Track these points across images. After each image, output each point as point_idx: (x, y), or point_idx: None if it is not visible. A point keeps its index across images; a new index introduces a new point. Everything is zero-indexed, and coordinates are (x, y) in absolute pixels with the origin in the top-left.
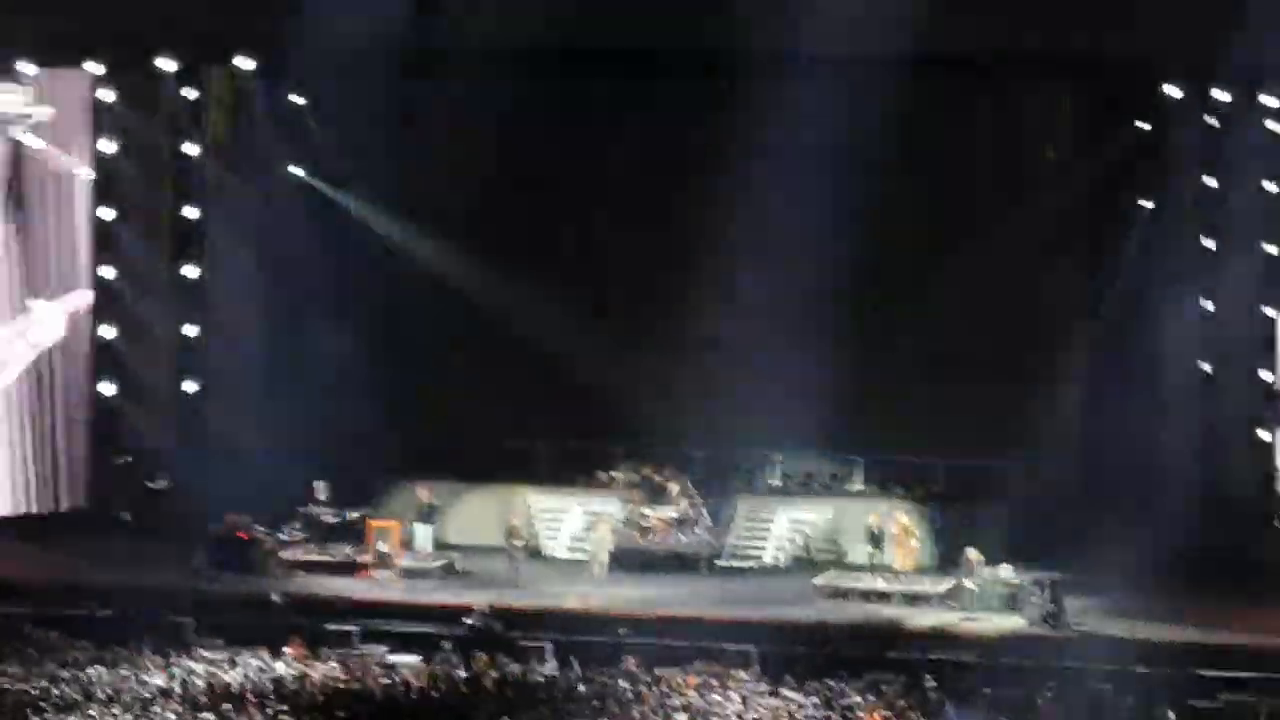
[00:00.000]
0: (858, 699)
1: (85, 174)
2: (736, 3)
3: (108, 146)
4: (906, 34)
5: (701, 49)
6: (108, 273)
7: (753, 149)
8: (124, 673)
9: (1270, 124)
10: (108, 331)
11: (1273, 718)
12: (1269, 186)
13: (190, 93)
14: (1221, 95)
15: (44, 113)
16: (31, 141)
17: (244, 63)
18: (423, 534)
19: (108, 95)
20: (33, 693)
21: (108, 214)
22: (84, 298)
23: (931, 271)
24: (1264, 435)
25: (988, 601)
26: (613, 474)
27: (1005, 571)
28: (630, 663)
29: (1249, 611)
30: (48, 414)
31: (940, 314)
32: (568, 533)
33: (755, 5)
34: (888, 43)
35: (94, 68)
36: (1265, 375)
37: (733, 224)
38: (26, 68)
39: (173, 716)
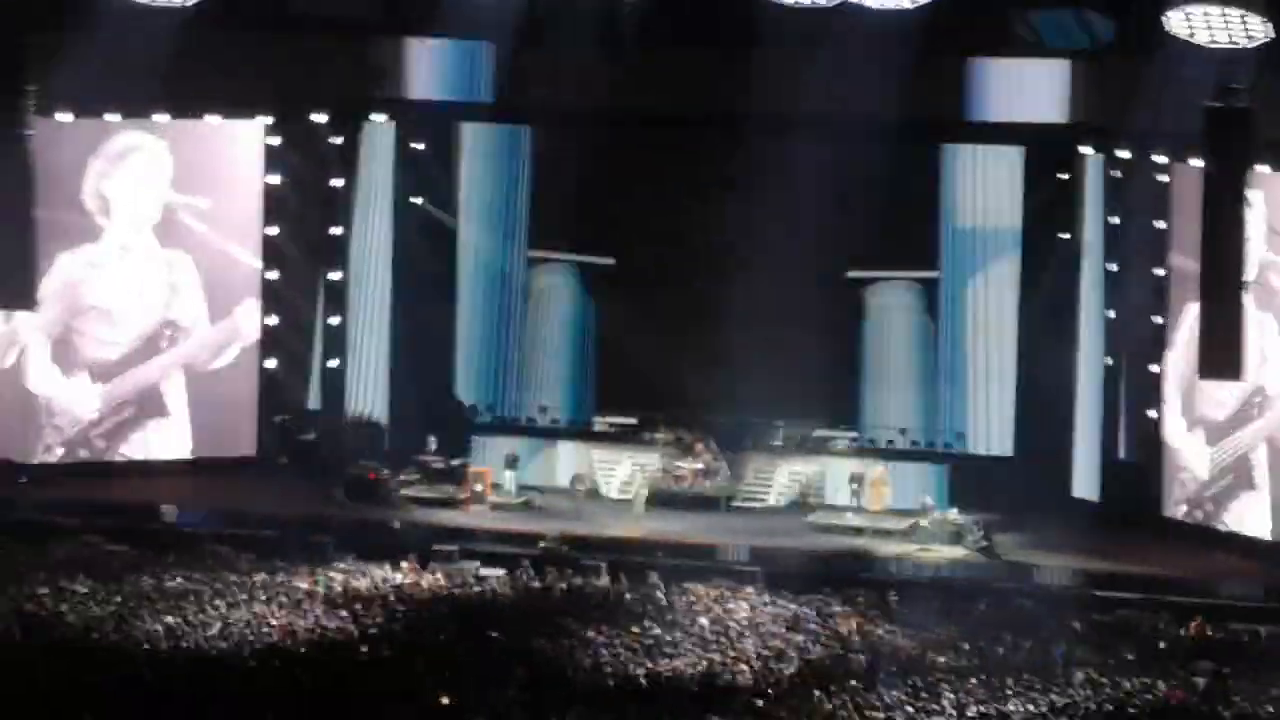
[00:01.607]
0: (838, 608)
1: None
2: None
3: (274, 179)
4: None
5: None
6: (272, 275)
7: (768, 175)
8: (280, 579)
9: (1159, 176)
10: (272, 320)
11: (1153, 628)
12: (1158, 224)
13: (337, 139)
14: (1123, 153)
15: None
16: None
17: (378, 117)
18: (509, 478)
19: (275, 140)
20: (211, 591)
21: (273, 231)
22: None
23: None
24: (1151, 414)
25: (938, 537)
26: (654, 435)
27: (952, 514)
28: (665, 578)
29: (1136, 548)
30: (227, 382)
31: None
32: (619, 479)
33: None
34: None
35: (265, 119)
36: (1153, 368)
37: (749, 247)
38: (212, 119)
39: (319, 611)
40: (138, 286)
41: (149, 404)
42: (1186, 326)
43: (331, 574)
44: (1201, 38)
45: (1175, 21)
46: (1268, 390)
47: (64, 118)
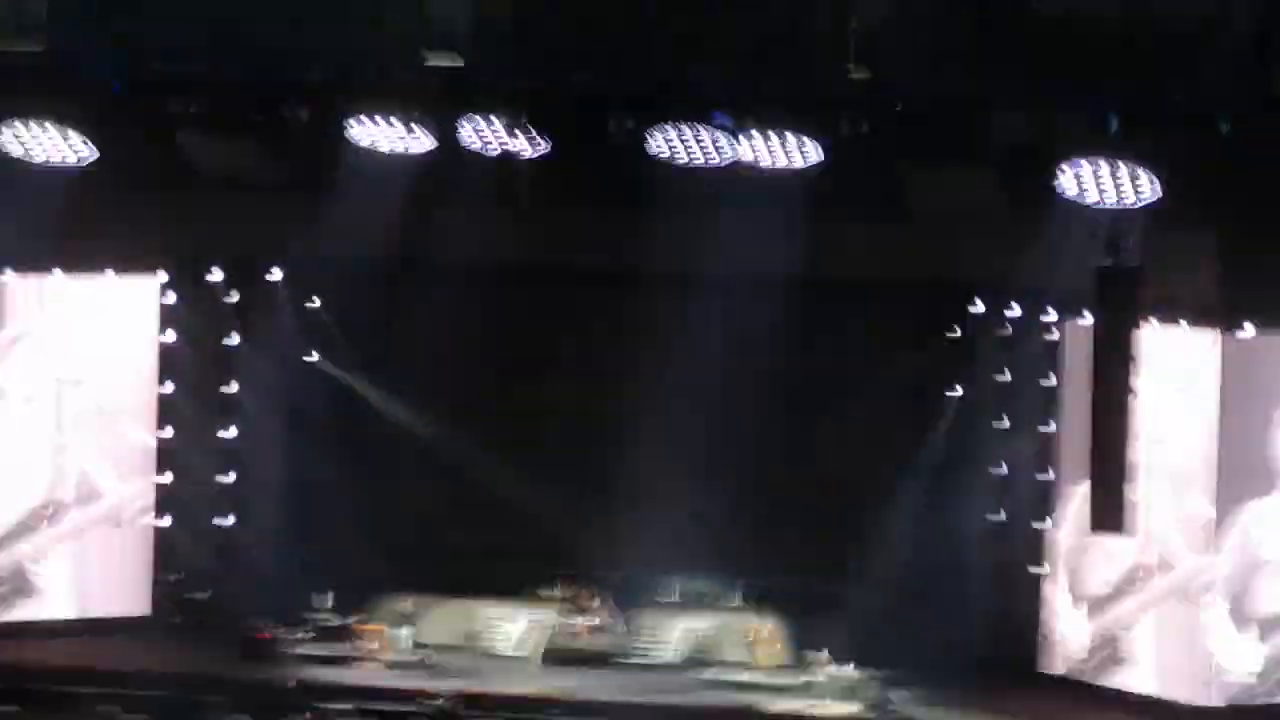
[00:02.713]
0: None
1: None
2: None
3: (168, 338)
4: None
5: (623, 268)
6: (165, 434)
7: (670, 344)
8: None
9: (1048, 334)
10: (165, 479)
11: None
12: (1048, 381)
13: (232, 296)
14: (1013, 311)
15: None
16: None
17: (274, 274)
18: (404, 635)
19: (169, 298)
20: None
21: (167, 389)
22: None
23: (800, 436)
24: (1035, 570)
25: (832, 692)
26: (549, 590)
27: (847, 669)
28: None
29: (1023, 704)
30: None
31: (804, 468)
32: (514, 635)
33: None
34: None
35: (161, 276)
36: (1040, 524)
37: (646, 408)
38: (111, 276)
39: None
40: (21, 469)
41: (22, 583)
42: (1075, 497)
43: None
44: (1091, 196)
45: (1065, 179)
46: (1149, 566)
47: None
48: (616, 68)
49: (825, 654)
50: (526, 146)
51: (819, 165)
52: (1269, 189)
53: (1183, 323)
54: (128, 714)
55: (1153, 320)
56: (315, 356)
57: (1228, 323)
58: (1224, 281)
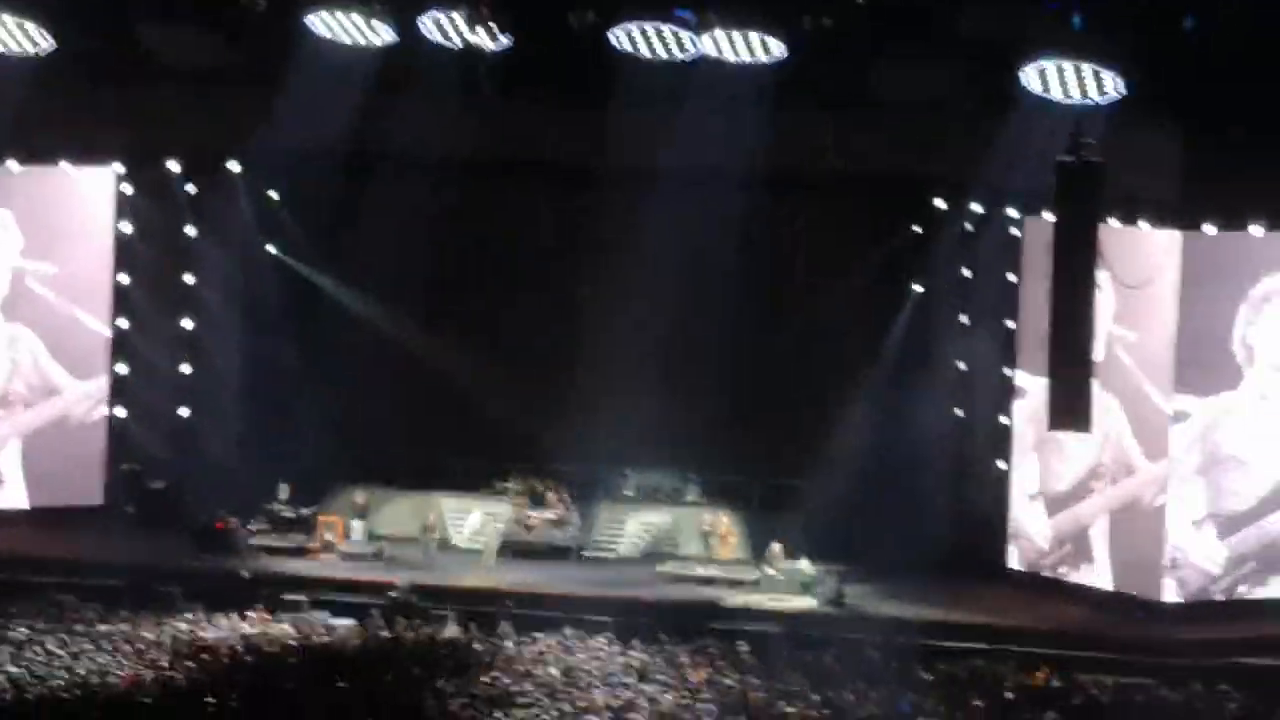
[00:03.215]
0: (686, 659)
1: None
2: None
3: (125, 228)
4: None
5: (585, 162)
6: (123, 324)
7: (631, 239)
8: (126, 628)
9: (1011, 230)
10: (121, 369)
11: (1000, 678)
12: (1010, 277)
13: (190, 187)
14: (975, 207)
15: None
16: None
17: (233, 165)
18: (359, 527)
19: (127, 189)
20: (56, 641)
21: (124, 279)
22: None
23: (759, 332)
24: (1001, 465)
25: (788, 586)
26: (505, 484)
27: (802, 563)
28: (515, 627)
29: (984, 598)
30: (75, 430)
31: (763, 364)
32: (469, 528)
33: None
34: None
35: (118, 168)
36: (1003, 420)
37: (606, 304)
38: (67, 167)
39: (166, 661)
40: None
41: None
42: (1032, 393)
43: (179, 624)
44: (1055, 93)
45: (1030, 76)
46: (1107, 465)
47: None
48: None
49: (780, 548)
50: (488, 40)
51: (781, 60)
52: (1233, 87)
53: (1143, 222)
54: (83, 602)
55: (1114, 218)
56: (272, 249)
57: (1189, 222)
58: (1186, 180)
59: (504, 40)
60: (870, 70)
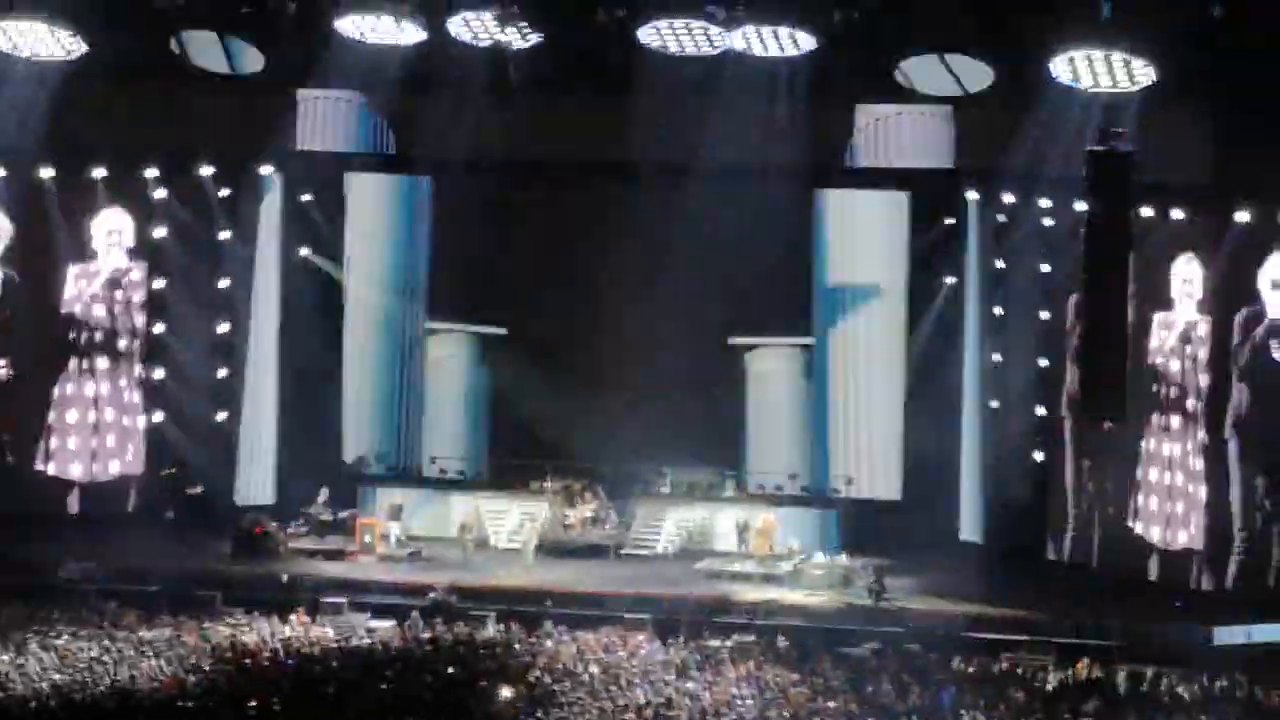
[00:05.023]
0: (726, 655)
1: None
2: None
3: (160, 232)
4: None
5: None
6: (159, 329)
7: (656, 243)
8: (168, 633)
9: (1044, 220)
10: (158, 374)
11: (1041, 670)
12: (1043, 268)
13: (224, 191)
14: (1007, 197)
15: None
16: None
17: (265, 169)
18: (396, 529)
19: (161, 193)
20: (99, 648)
21: (160, 284)
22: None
23: (792, 329)
24: (1038, 456)
25: (828, 581)
26: (543, 484)
27: (840, 558)
28: (555, 626)
29: (1022, 590)
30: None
31: (795, 360)
32: (507, 528)
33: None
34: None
35: (151, 172)
36: (1039, 410)
37: (638, 301)
38: (99, 171)
39: (208, 664)
40: None
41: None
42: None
43: (220, 628)
44: (1085, 82)
45: (1059, 66)
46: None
47: None
48: None
49: (796, 543)
50: (518, 38)
51: (809, 53)
52: (1262, 73)
53: (1176, 209)
54: (124, 608)
55: (1146, 206)
56: (307, 251)
57: (1222, 206)
58: (1218, 166)
59: (535, 38)
60: (898, 63)
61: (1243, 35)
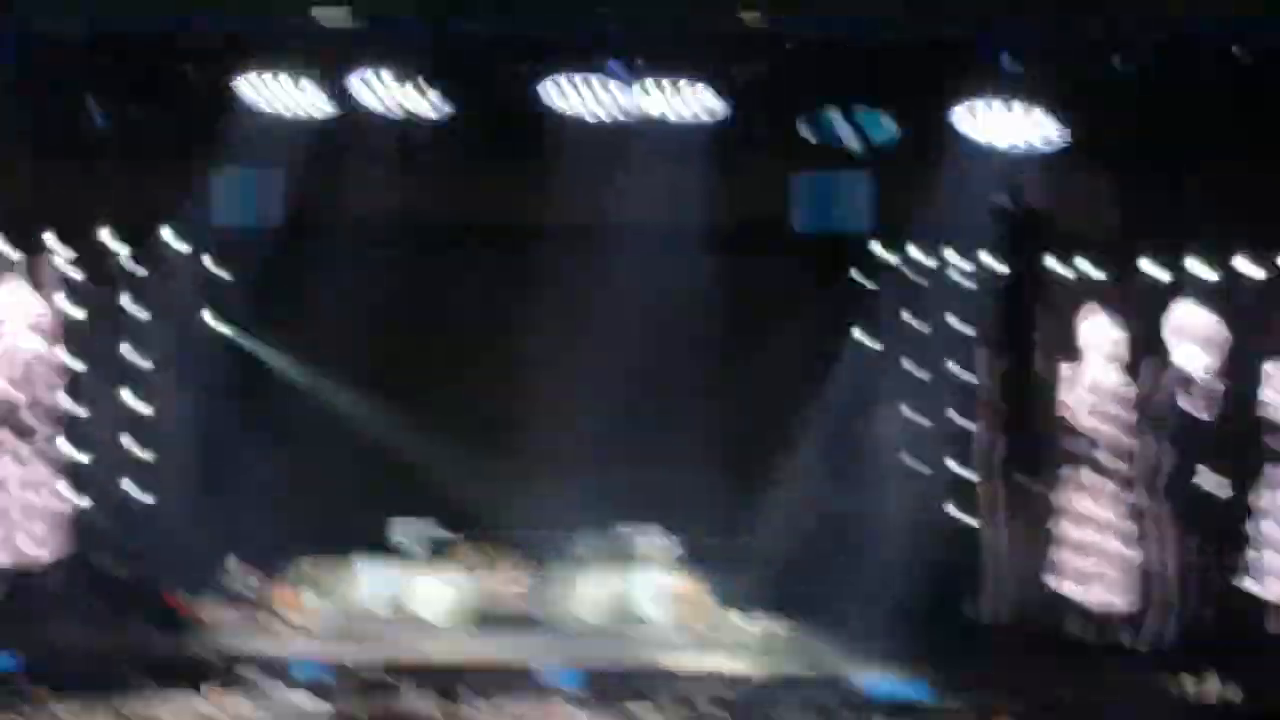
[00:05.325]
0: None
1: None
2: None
3: (66, 304)
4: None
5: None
6: (67, 403)
7: (572, 306)
8: (77, 710)
9: (953, 276)
10: (71, 451)
11: None
12: (955, 323)
13: (129, 262)
14: (915, 253)
15: None
16: None
17: (167, 236)
18: (319, 600)
19: (63, 263)
20: None
21: (68, 358)
22: None
23: (705, 391)
24: (964, 517)
25: (753, 646)
26: (459, 550)
27: (763, 623)
28: (479, 698)
29: (944, 652)
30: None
31: (711, 421)
32: (431, 599)
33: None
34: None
35: (50, 239)
36: (953, 466)
37: (554, 376)
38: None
39: None
40: None
41: None
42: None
43: (133, 704)
44: (989, 138)
45: (963, 120)
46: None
47: None
48: (506, 15)
49: (745, 609)
50: (427, 108)
51: (720, 118)
52: (1166, 124)
53: (1083, 263)
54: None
55: (1053, 258)
56: (210, 318)
57: (1126, 257)
58: (1125, 216)
59: (446, 108)
60: (805, 120)
61: (1148, 86)
